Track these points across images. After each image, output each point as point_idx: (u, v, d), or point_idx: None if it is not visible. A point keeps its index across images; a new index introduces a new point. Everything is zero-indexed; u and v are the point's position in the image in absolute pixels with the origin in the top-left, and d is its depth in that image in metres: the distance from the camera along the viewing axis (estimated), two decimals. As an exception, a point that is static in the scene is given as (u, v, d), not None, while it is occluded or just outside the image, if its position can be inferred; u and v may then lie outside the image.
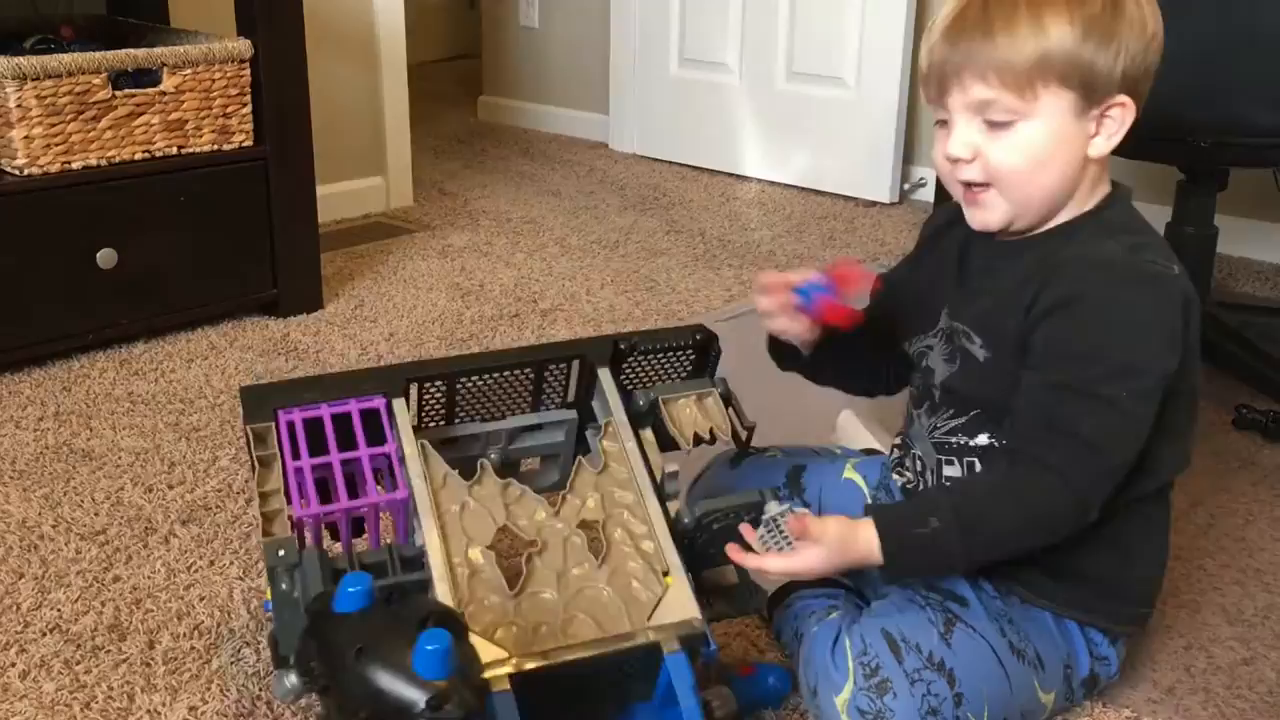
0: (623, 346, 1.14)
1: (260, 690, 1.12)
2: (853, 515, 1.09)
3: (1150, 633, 1.24)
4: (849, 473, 1.26)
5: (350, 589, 0.81)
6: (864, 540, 1.00)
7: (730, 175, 3.15)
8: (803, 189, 3.02)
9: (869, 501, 1.18)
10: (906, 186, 2.93)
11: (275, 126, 2.01)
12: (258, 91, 1.99)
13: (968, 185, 1.03)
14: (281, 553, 0.94)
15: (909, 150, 2.94)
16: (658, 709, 0.98)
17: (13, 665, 1.16)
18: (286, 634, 0.89)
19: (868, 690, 0.99)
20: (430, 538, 0.98)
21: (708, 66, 3.17)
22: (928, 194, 2.88)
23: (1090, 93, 0.99)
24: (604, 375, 1.13)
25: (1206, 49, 1.56)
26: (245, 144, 2.00)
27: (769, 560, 1.02)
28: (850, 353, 1.20)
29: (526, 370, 1.12)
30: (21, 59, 1.76)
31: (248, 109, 1.99)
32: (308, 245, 2.10)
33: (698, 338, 1.19)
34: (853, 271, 1.11)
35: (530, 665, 0.92)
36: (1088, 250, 1.01)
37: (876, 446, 1.40)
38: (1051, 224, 1.05)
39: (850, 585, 1.20)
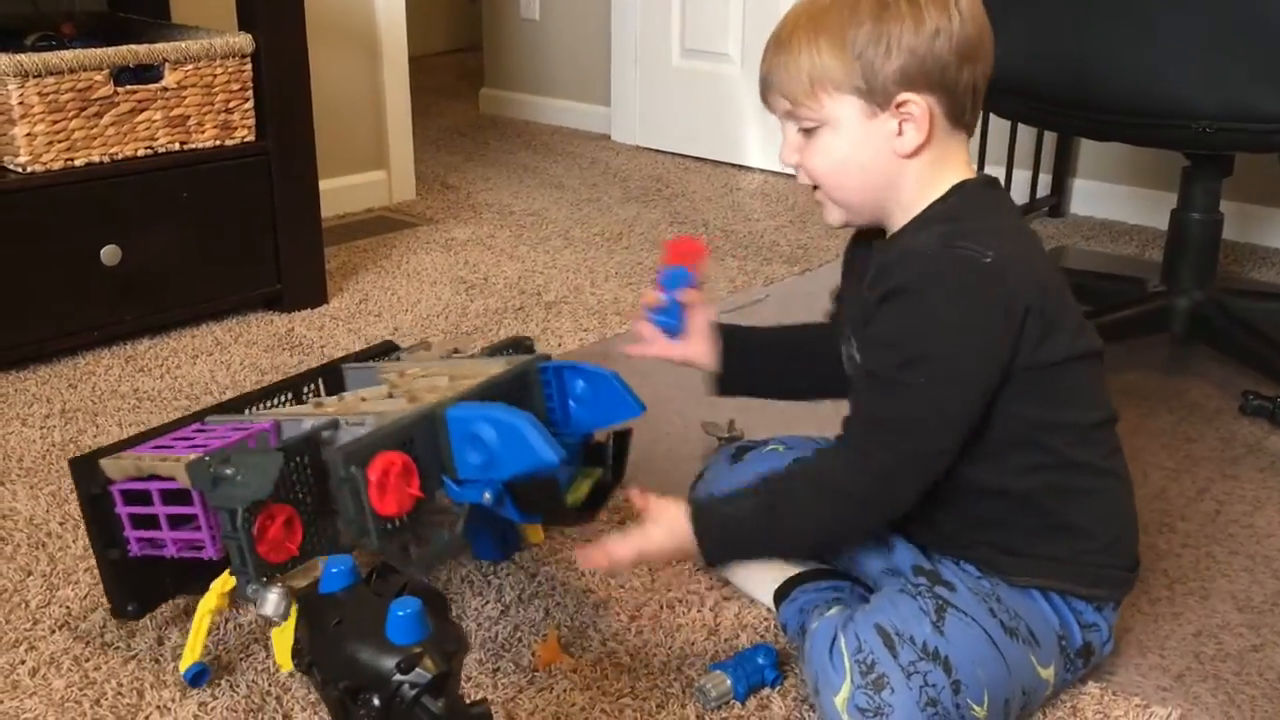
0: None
1: (270, 686, 1.12)
2: None
3: (1159, 619, 1.24)
4: None
5: (333, 570, 0.82)
6: (683, 527, 1.06)
7: (733, 166, 3.14)
8: (806, 179, 3.01)
9: None
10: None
11: (277, 121, 2.01)
12: (259, 86, 1.99)
13: (809, 186, 1.11)
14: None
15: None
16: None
17: (22, 662, 1.16)
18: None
19: (865, 687, 0.99)
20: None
21: (709, 57, 3.16)
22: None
23: (870, 95, 1.03)
24: None
25: (1211, 33, 1.55)
26: (247, 139, 2.00)
27: (613, 547, 1.07)
28: (774, 360, 1.29)
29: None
30: (23, 56, 1.76)
31: (249, 104, 1.99)
32: (311, 240, 2.10)
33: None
34: (691, 245, 1.22)
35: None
36: (905, 244, 1.06)
37: None
38: (901, 224, 1.08)
39: (854, 577, 1.20)
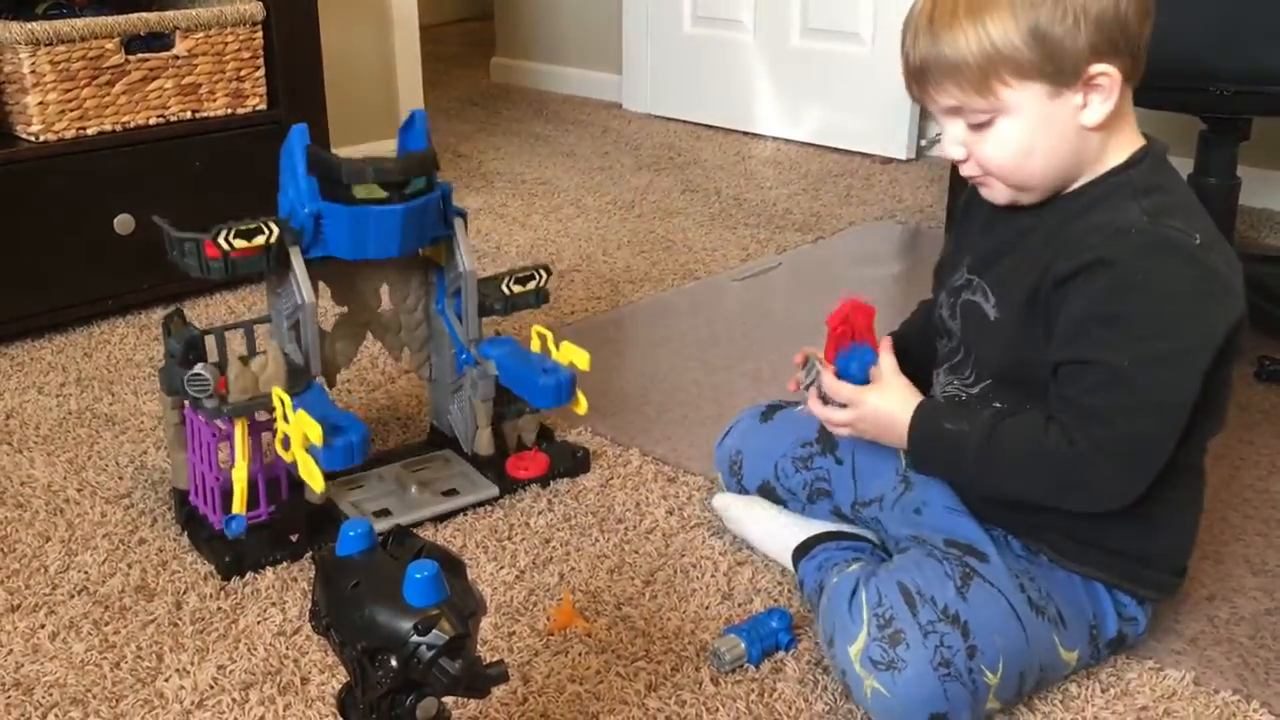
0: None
1: (287, 649, 1.13)
2: (887, 470, 1.18)
3: (1173, 584, 1.24)
4: None
5: (350, 534, 0.82)
6: (900, 416, 1.07)
7: (745, 134, 3.13)
8: (818, 146, 3.00)
9: (901, 458, 1.18)
10: (923, 143, 2.91)
11: (288, 89, 2.01)
12: (270, 54, 1.99)
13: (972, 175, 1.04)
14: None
15: (925, 107, 2.91)
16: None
17: (42, 627, 1.17)
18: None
19: (881, 641, 0.99)
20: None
21: (721, 24, 3.14)
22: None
23: (1058, 75, 0.95)
24: None
25: (1229, -4, 1.54)
26: (259, 107, 1.99)
27: (813, 404, 1.12)
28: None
29: None
30: (34, 24, 1.76)
31: (261, 72, 1.98)
32: (324, 209, 2.10)
33: None
34: (859, 311, 1.19)
35: None
36: (1107, 216, 0.98)
37: None
38: (1075, 186, 1.02)
39: (874, 540, 1.20)
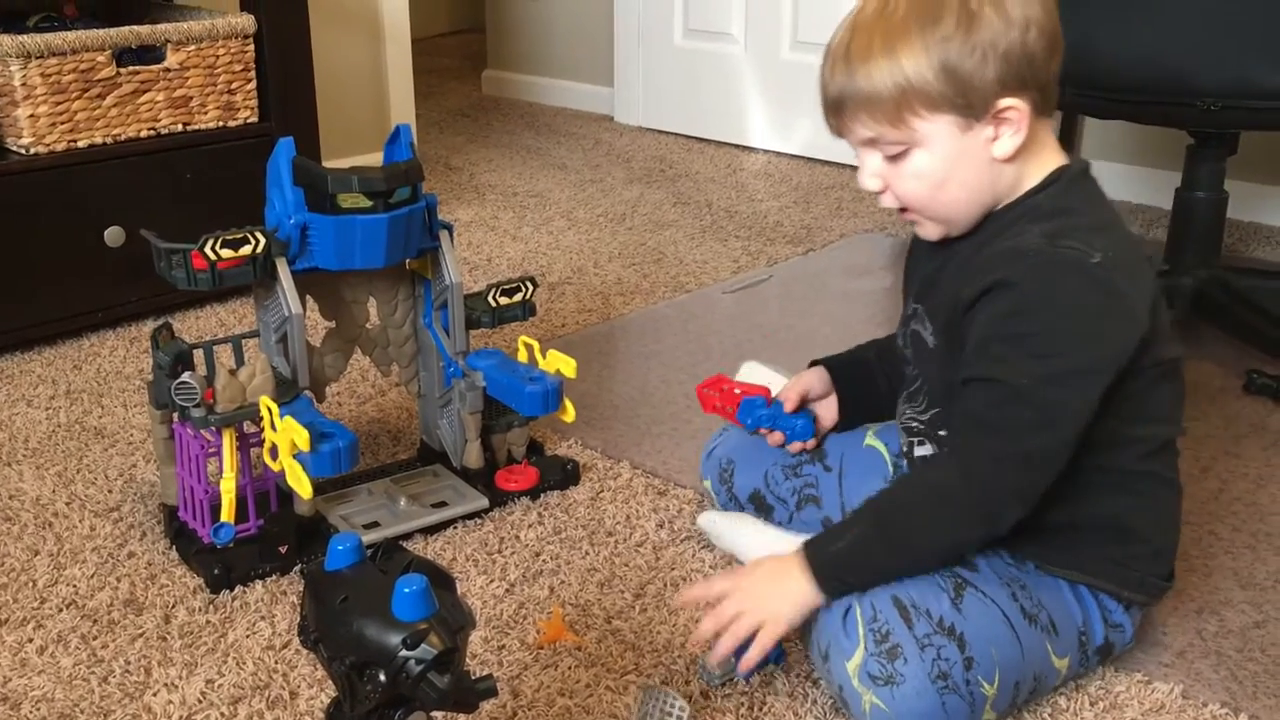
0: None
1: (276, 663, 1.13)
2: (874, 478, 1.19)
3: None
4: (870, 440, 1.27)
5: (339, 548, 0.82)
6: (787, 564, 1.03)
7: (736, 146, 3.14)
8: (809, 159, 3.01)
9: (889, 465, 1.19)
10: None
11: (280, 102, 2.01)
12: (262, 67, 1.99)
13: (900, 209, 1.06)
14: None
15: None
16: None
17: (30, 641, 1.17)
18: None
19: (878, 655, 0.99)
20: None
21: (712, 37, 3.15)
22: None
23: (968, 109, 0.98)
24: None
25: (1215, 10, 1.55)
26: (250, 120, 2.00)
27: (723, 644, 1.03)
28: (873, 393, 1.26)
29: None
30: (26, 37, 1.76)
31: (252, 85, 1.99)
32: (315, 221, 2.10)
33: None
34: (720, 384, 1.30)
35: None
36: (1008, 242, 1.00)
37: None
38: (995, 212, 1.05)
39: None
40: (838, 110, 1.02)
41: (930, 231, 1.07)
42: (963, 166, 1.01)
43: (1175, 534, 1.13)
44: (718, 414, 1.31)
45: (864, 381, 1.27)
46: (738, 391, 1.28)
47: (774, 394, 1.29)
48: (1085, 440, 1.00)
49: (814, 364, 1.30)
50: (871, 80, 0.98)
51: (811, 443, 1.27)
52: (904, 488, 1.07)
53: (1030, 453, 0.98)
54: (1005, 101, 0.98)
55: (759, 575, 1.05)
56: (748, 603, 1.02)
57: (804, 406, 1.28)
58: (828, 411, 1.29)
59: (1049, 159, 1.04)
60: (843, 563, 1.02)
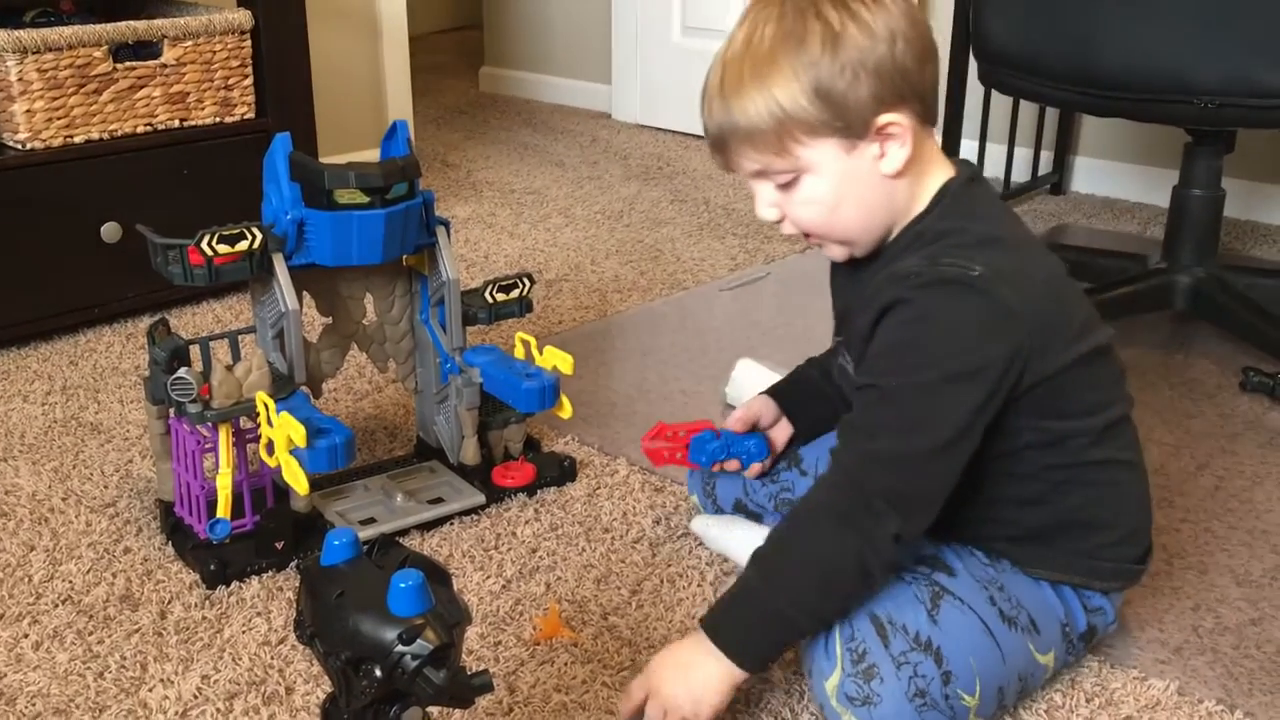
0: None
1: (272, 658, 1.13)
2: None
3: (1158, 594, 1.24)
4: None
5: (335, 543, 0.82)
6: (688, 642, 1.00)
7: (734, 144, 3.13)
8: (807, 157, 3.00)
9: None
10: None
11: (277, 99, 2.00)
12: (259, 63, 1.98)
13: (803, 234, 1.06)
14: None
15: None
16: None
17: (26, 636, 1.16)
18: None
19: (855, 676, 0.99)
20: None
21: (710, 34, 3.14)
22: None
23: (847, 130, 0.97)
24: None
25: (1212, 8, 1.55)
26: (247, 116, 1.99)
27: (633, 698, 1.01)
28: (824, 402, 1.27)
29: None
30: (22, 32, 1.75)
31: (249, 81, 1.98)
32: (311, 217, 2.10)
33: None
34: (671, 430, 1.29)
35: None
36: (894, 267, 1.00)
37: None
38: (892, 237, 1.05)
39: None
40: (722, 147, 1.02)
41: (836, 253, 1.07)
42: (854, 187, 1.00)
43: (1144, 514, 1.12)
44: (670, 464, 1.30)
45: (811, 400, 1.27)
46: (683, 434, 1.28)
47: (745, 405, 1.29)
48: (1020, 446, 1.01)
49: (761, 394, 1.30)
50: (748, 113, 0.98)
51: (768, 462, 1.28)
52: (779, 526, 1.03)
53: (898, 454, 0.97)
54: (885, 117, 0.97)
55: (669, 672, 1.00)
56: (669, 702, 0.99)
57: (753, 432, 1.28)
58: (780, 435, 1.29)
59: (941, 173, 1.04)
60: (739, 623, 0.99)
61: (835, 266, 1.14)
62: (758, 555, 1.02)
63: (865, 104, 0.96)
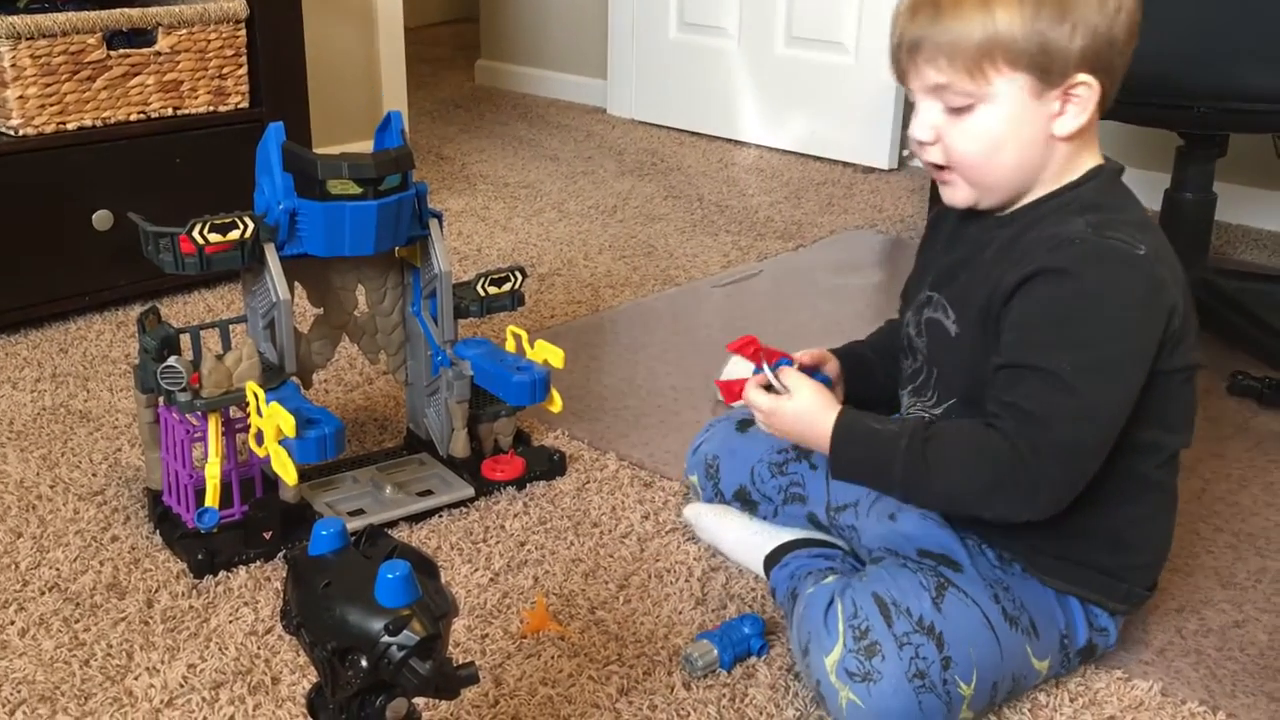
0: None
1: (259, 648, 1.13)
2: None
3: (1143, 595, 1.25)
4: None
5: (322, 533, 0.82)
6: (823, 415, 1.05)
7: (728, 141, 3.14)
8: (801, 154, 3.01)
9: None
10: (905, 153, 2.92)
11: (271, 88, 2.00)
12: (253, 53, 1.98)
13: (935, 165, 1.05)
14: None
15: (908, 116, 2.92)
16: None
17: (11, 623, 1.16)
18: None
19: (857, 652, 0.99)
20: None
21: (706, 31, 3.15)
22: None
23: (1046, 74, 0.97)
24: None
25: (1205, 13, 1.55)
26: (241, 105, 1.99)
27: (751, 391, 1.10)
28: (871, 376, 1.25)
29: None
30: (15, 18, 1.75)
31: (243, 70, 1.98)
32: (304, 208, 2.10)
33: None
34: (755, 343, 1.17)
35: None
36: (1052, 230, 1.00)
37: None
38: (1027, 200, 1.04)
39: (844, 547, 1.21)
40: (913, 51, 1.00)
41: (960, 196, 1.05)
42: (1022, 134, 1.00)
43: (1167, 548, 1.12)
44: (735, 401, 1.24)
45: (864, 375, 1.25)
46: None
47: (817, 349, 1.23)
48: (1116, 444, 1.00)
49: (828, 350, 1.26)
50: (961, 26, 0.97)
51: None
52: (959, 438, 1.02)
53: (1072, 444, 0.97)
54: (1080, 77, 0.98)
55: (797, 410, 1.07)
56: (774, 422, 1.09)
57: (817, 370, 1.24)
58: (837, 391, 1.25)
59: (1092, 155, 1.04)
60: (868, 438, 1.04)
61: (939, 219, 1.14)
62: (925, 432, 1.01)
63: (1071, 56, 0.97)
